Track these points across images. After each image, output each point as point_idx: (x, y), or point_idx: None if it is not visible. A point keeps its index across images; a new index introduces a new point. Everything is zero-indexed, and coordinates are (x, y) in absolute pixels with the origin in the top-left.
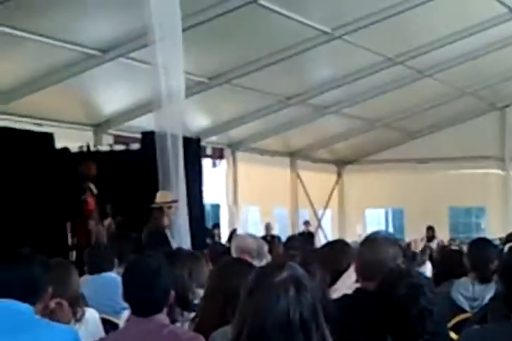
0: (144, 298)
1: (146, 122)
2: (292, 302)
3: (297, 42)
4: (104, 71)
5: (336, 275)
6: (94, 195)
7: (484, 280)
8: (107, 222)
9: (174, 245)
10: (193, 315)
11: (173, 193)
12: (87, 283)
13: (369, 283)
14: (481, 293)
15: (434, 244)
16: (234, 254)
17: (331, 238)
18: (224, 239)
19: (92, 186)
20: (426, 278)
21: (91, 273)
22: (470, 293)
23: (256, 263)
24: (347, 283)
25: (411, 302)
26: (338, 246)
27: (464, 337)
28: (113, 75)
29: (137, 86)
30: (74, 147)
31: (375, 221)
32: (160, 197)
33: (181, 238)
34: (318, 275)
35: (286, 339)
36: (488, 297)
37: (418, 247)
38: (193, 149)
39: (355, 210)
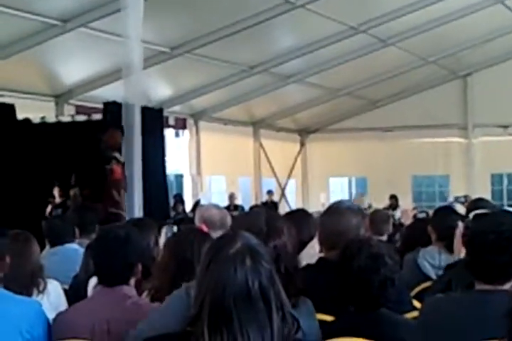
0: (110, 269)
1: (108, 92)
2: (250, 272)
3: (260, 11)
4: (65, 41)
5: (299, 246)
6: (121, 163)
7: (451, 249)
8: (73, 192)
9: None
10: None
11: (133, 163)
12: (48, 255)
13: (332, 252)
14: (447, 261)
15: (397, 213)
16: (197, 224)
17: (294, 207)
18: (188, 209)
19: (118, 155)
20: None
21: (52, 244)
22: (436, 261)
23: (219, 233)
24: (310, 253)
25: (372, 273)
26: (299, 215)
27: (427, 305)
28: (75, 45)
29: (99, 56)
30: (36, 118)
31: (338, 190)
32: None
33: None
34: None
35: (247, 309)
36: None
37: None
38: (156, 119)
39: (319, 179)
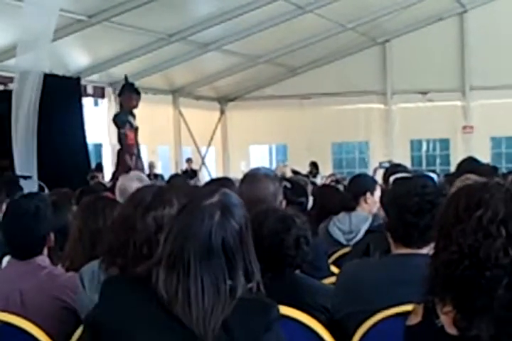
0: (21, 242)
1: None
2: (216, 226)
3: None
4: None
5: None
6: (134, 128)
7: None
8: None
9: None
10: None
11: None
12: None
13: None
14: (357, 225)
15: (318, 180)
16: (117, 194)
17: (214, 175)
18: (107, 179)
19: (132, 119)
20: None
21: None
22: (346, 226)
23: None
24: None
25: (284, 233)
26: (222, 183)
27: (344, 270)
28: None
29: (14, 25)
30: None
31: (259, 157)
32: None
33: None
34: None
35: (206, 261)
36: (363, 229)
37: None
38: (73, 88)
39: (239, 147)
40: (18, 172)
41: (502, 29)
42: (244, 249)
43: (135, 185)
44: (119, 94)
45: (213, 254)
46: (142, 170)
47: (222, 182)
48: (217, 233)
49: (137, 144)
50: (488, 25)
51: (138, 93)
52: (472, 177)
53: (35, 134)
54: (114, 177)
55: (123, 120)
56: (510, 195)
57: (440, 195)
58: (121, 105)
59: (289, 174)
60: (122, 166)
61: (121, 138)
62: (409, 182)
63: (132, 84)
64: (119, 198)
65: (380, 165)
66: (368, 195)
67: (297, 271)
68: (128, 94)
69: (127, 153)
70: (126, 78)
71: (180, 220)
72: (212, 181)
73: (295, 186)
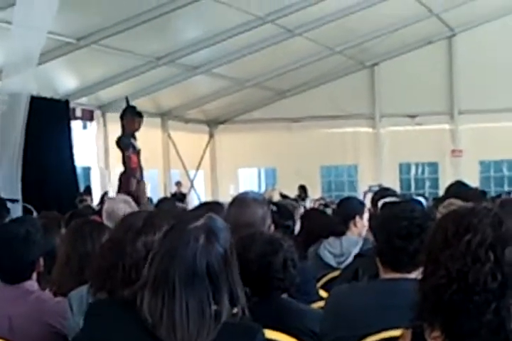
0: (10, 267)
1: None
2: (200, 249)
3: (166, 2)
4: None
5: None
6: (137, 151)
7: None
8: None
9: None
10: None
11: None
12: None
13: None
14: (347, 248)
15: (307, 203)
16: (104, 217)
17: (204, 199)
18: (95, 202)
19: (135, 142)
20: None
21: None
22: (337, 249)
23: None
24: None
25: (271, 256)
26: (211, 207)
27: (333, 294)
28: None
29: (1, 47)
30: None
31: (248, 181)
32: None
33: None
34: None
35: (191, 284)
36: (354, 252)
37: None
38: (62, 111)
39: (228, 170)
40: (3, 195)
41: (490, 53)
42: (229, 272)
43: (122, 207)
44: (121, 117)
45: (198, 278)
46: (145, 193)
47: (212, 206)
48: (202, 256)
49: (140, 167)
50: (476, 49)
51: (140, 116)
52: (456, 203)
53: (21, 157)
54: None
55: (126, 143)
56: (498, 219)
57: (428, 219)
58: (123, 128)
59: (277, 198)
60: (125, 189)
61: (125, 162)
62: (397, 207)
63: (134, 107)
64: (106, 221)
65: (370, 189)
66: (357, 218)
67: (285, 295)
68: (130, 117)
69: (132, 176)
70: (127, 100)
71: (166, 243)
72: (202, 205)
73: (281, 209)
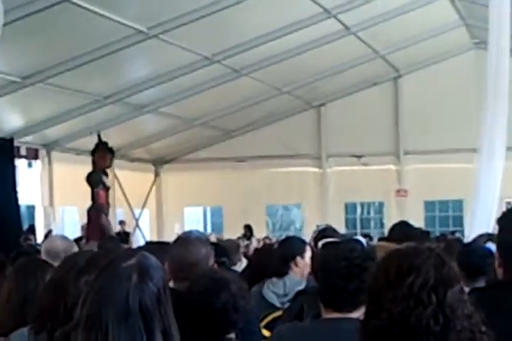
0: None
1: None
2: (132, 289)
3: (113, 41)
4: None
5: None
6: (107, 188)
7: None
8: None
9: None
10: None
11: None
12: None
13: (181, 283)
14: (291, 287)
15: (253, 242)
16: (43, 255)
17: (149, 238)
18: (40, 241)
19: (106, 179)
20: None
21: None
22: (281, 289)
23: None
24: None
25: (212, 296)
26: (158, 246)
27: (275, 334)
28: None
29: None
30: None
31: (194, 219)
32: None
33: None
34: None
35: (124, 324)
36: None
37: None
38: (6, 149)
39: (174, 209)
40: None
41: (435, 94)
42: (163, 311)
43: (59, 244)
44: (92, 153)
45: (131, 316)
46: (111, 228)
47: (159, 245)
48: (135, 295)
49: (108, 203)
50: (422, 91)
51: (112, 152)
52: (386, 245)
53: None
54: (88, 235)
55: (96, 180)
56: (441, 260)
57: (368, 259)
58: (93, 164)
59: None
60: (94, 224)
61: (94, 198)
62: (337, 247)
63: (106, 143)
64: (45, 258)
65: (318, 228)
66: (298, 258)
67: (232, 335)
68: (102, 153)
69: (101, 211)
70: (99, 137)
71: (98, 282)
72: (148, 244)
73: (216, 247)
